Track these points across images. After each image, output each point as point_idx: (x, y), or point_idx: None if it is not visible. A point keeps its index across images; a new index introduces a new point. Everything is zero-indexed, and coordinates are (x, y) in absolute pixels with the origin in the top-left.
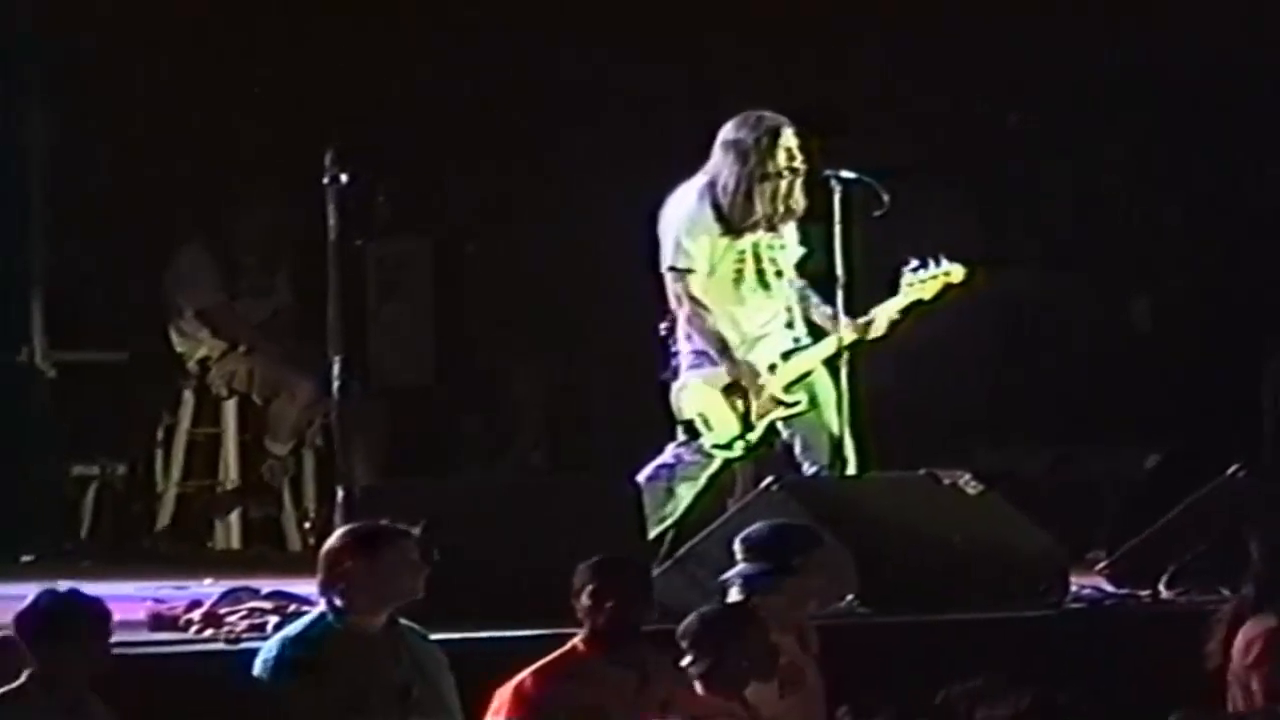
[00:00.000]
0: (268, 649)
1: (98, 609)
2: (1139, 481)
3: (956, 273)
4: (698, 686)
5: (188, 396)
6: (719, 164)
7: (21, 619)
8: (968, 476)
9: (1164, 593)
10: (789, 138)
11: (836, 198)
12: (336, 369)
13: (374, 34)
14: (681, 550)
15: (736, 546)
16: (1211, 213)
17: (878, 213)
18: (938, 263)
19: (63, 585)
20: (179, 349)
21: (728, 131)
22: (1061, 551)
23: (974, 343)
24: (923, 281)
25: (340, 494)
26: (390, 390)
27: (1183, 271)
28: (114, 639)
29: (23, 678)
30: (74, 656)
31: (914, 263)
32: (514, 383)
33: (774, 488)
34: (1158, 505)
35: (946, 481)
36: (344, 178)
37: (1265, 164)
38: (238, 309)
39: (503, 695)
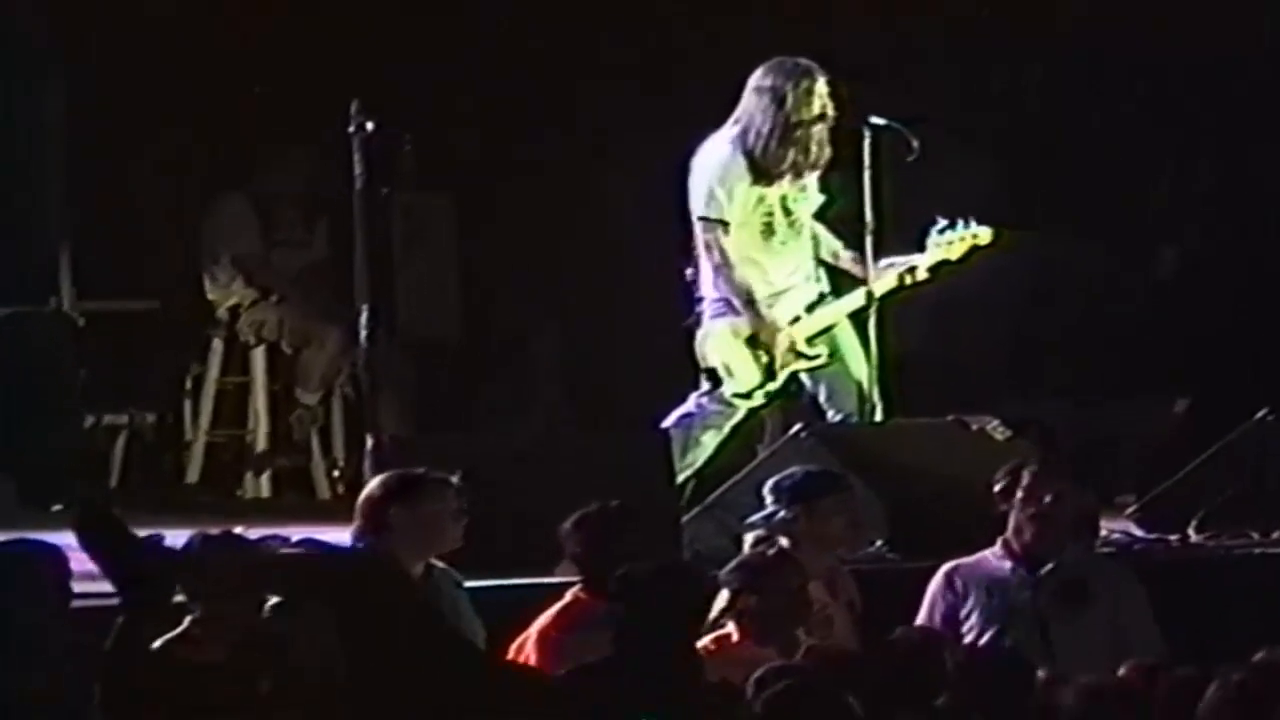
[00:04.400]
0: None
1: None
2: (1168, 426)
3: (984, 235)
4: (734, 631)
5: (216, 345)
6: (750, 110)
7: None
8: (996, 422)
9: (1193, 537)
10: (821, 84)
11: (866, 144)
12: (364, 318)
13: None
14: (711, 497)
15: (765, 491)
16: (1237, 163)
17: (910, 158)
18: (966, 224)
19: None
20: (210, 296)
21: (759, 77)
22: (1091, 496)
23: (1000, 293)
24: (950, 243)
25: (370, 443)
26: (417, 342)
27: (1209, 220)
28: None
29: (185, 622)
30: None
31: (942, 223)
32: (538, 337)
33: (803, 435)
34: (1187, 450)
35: (974, 427)
36: (369, 126)
37: None
38: (273, 259)
39: (521, 653)
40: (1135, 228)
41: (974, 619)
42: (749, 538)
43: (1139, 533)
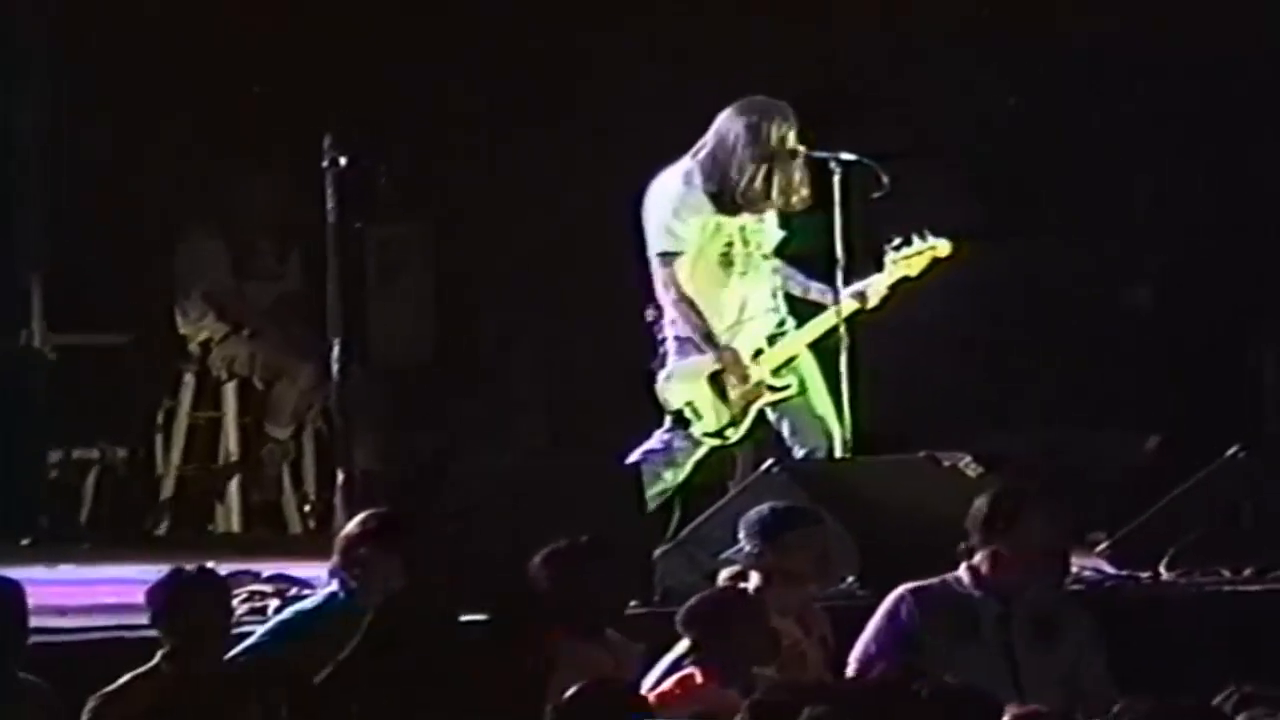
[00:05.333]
0: (279, 616)
1: (222, 584)
2: (1140, 463)
3: (942, 247)
4: (697, 674)
5: (188, 379)
6: (717, 143)
7: (152, 595)
8: (968, 459)
9: (1165, 574)
10: (784, 124)
11: (836, 180)
12: (336, 352)
13: (375, 17)
14: (683, 533)
15: (740, 527)
16: (1212, 193)
17: (877, 194)
18: (922, 238)
19: (64, 568)
20: (182, 330)
21: (729, 113)
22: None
23: (973, 326)
24: (907, 258)
25: (340, 477)
26: (391, 373)
27: (1183, 253)
28: (112, 622)
29: (156, 657)
30: (208, 632)
31: (897, 240)
32: (515, 365)
33: (774, 470)
34: (1159, 486)
35: (946, 464)
36: (343, 161)
37: (1267, 145)
38: (246, 292)
39: None
40: (1108, 262)
41: (934, 644)
42: (723, 574)
43: (1110, 569)
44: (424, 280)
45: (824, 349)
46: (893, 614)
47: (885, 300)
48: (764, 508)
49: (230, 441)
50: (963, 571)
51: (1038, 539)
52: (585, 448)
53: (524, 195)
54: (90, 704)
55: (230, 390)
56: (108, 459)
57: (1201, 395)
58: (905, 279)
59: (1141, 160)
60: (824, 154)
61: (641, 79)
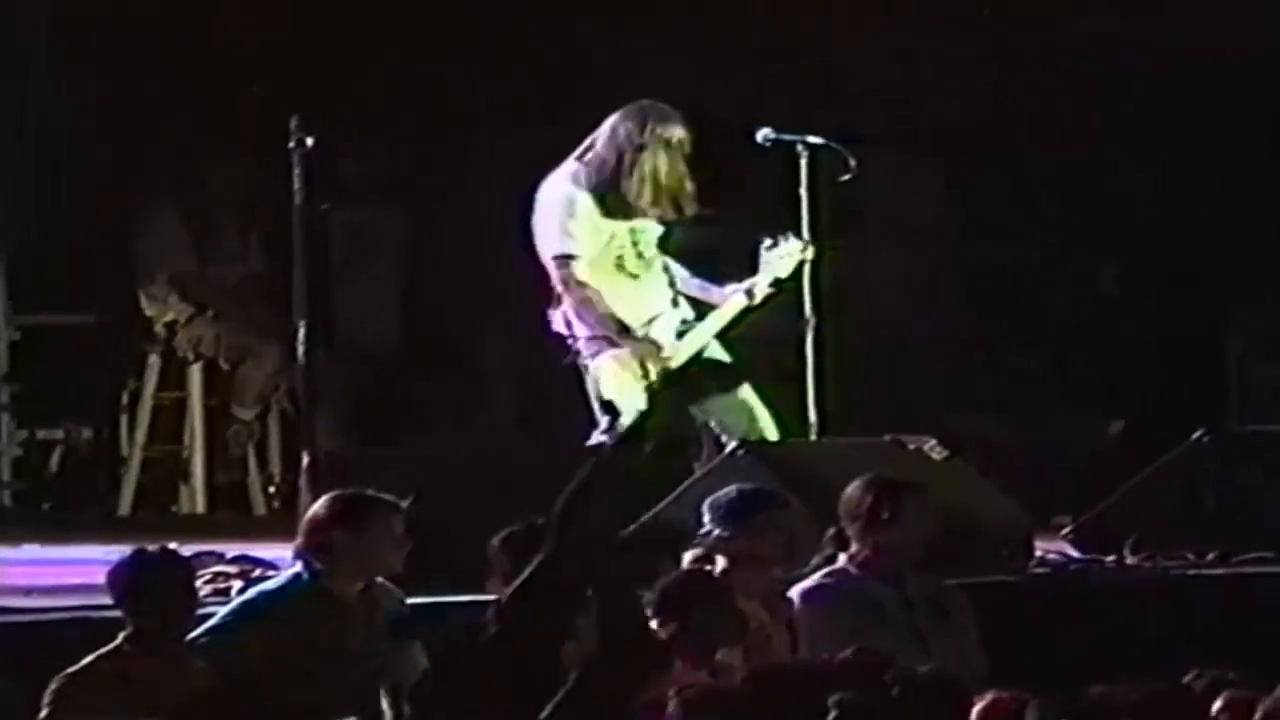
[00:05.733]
0: (243, 597)
1: (188, 564)
2: (1104, 447)
3: (808, 251)
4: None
5: (153, 360)
6: (599, 149)
7: (113, 577)
8: (933, 442)
9: (1129, 558)
10: (671, 127)
11: (803, 163)
12: (302, 334)
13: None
14: (646, 515)
15: (704, 510)
16: (1179, 179)
17: (844, 178)
18: (787, 239)
19: (27, 548)
20: (148, 312)
21: (616, 117)
22: (1026, 517)
23: (938, 309)
24: (780, 259)
25: (305, 459)
26: (357, 356)
27: (1150, 239)
28: (76, 603)
29: (119, 639)
30: (170, 613)
31: (768, 241)
32: (482, 350)
33: (740, 452)
34: (1123, 471)
35: (911, 447)
36: (309, 142)
37: (1234, 131)
38: (210, 274)
39: None
40: (1073, 246)
41: (849, 637)
42: (687, 556)
43: (1075, 553)
44: (390, 263)
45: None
46: (802, 617)
47: (769, 298)
48: (730, 490)
49: (195, 423)
50: (845, 562)
51: (920, 529)
52: (551, 433)
53: (493, 181)
54: (53, 685)
55: (195, 371)
56: (72, 439)
57: (1166, 380)
58: (779, 279)
59: (1112, 148)
60: (791, 137)
61: (614, 66)
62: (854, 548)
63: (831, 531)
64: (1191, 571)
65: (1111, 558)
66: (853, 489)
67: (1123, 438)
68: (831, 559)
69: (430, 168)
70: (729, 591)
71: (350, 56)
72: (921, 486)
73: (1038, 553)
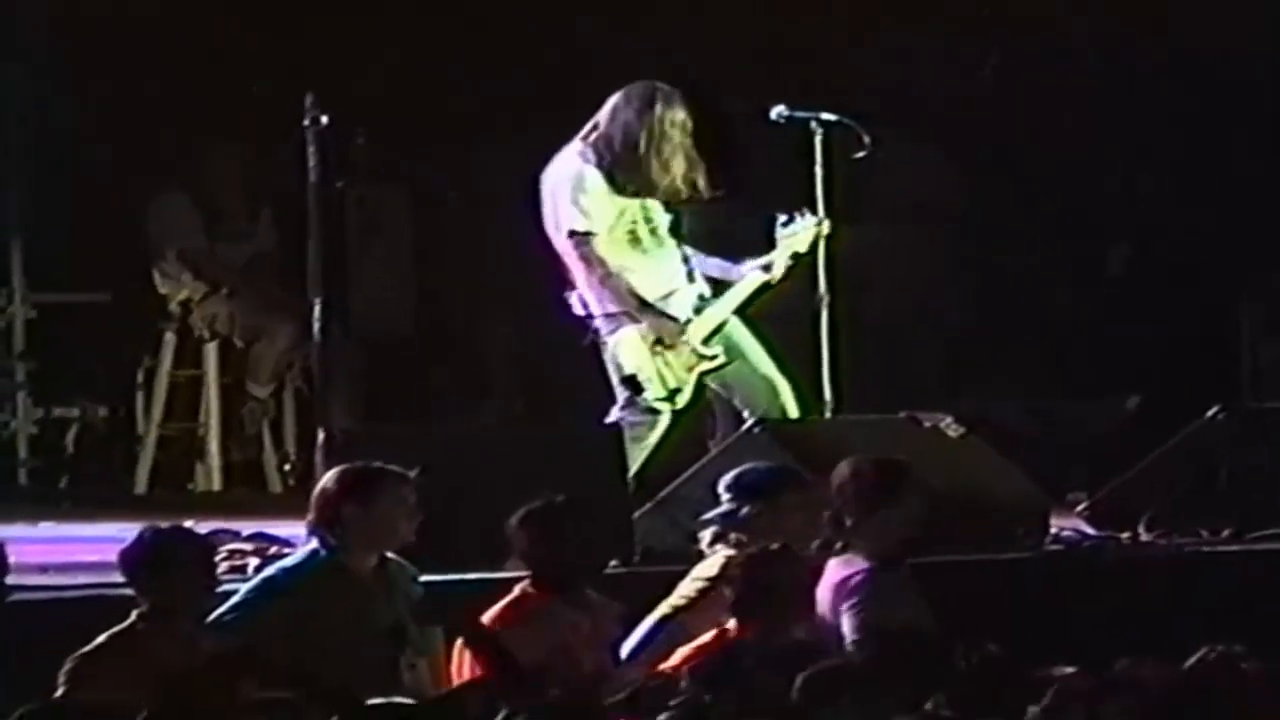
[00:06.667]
0: (263, 573)
1: (202, 542)
2: (1119, 424)
3: (825, 226)
4: (732, 623)
5: (169, 338)
6: (604, 128)
7: (126, 556)
8: (949, 420)
9: (1144, 535)
10: (674, 109)
11: (818, 140)
12: (317, 312)
13: None
14: (663, 493)
15: (720, 487)
16: (1188, 159)
17: (859, 154)
18: (803, 215)
19: (44, 526)
20: (162, 290)
21: (620, 97)
22: (1041, 494)
23: (951, 290)
24: (796, 235)
25: (321, 436)
26: (370, 335)
27: (1161, 219)
28: (92, 580)
29: (132, 616)
30: (183, 591)
31: (783, 217)
32: (491, 332)
33: (756, 430)
34: (1138, 448)
35: (927, 424)
36: (324, 120)
37: (1240, 112)
38: (218, 252)
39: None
40: (1086, 225)
41: (859, 621)
42: (705, 535)
43: (1090, 530)
44: (404, 242)
45: (791, 315)
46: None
47: (787, 272)
48: (749, 468)
49: (211, 401)
50: (853, 551)
51: (918, 509)
52: (563, 412)
53: (505, 162)
54: (67, 664)
55: (211, 349)
56: (88, 417)
57: (1181, 356)
58: (797, 254)
59: (1122, 129)
60: (805, 114)
61: (622, 51)
62: (865, 534)
63: (828, 514)
64: (1206, 548)
65: (1126, 535)
66: (846, 469)
67: (1138, 414)
68: (829, 543)
69: (441, 150)
70: (803, 564)
71: (355, 43)
72: (912, 469)
73: (1053, 529)
